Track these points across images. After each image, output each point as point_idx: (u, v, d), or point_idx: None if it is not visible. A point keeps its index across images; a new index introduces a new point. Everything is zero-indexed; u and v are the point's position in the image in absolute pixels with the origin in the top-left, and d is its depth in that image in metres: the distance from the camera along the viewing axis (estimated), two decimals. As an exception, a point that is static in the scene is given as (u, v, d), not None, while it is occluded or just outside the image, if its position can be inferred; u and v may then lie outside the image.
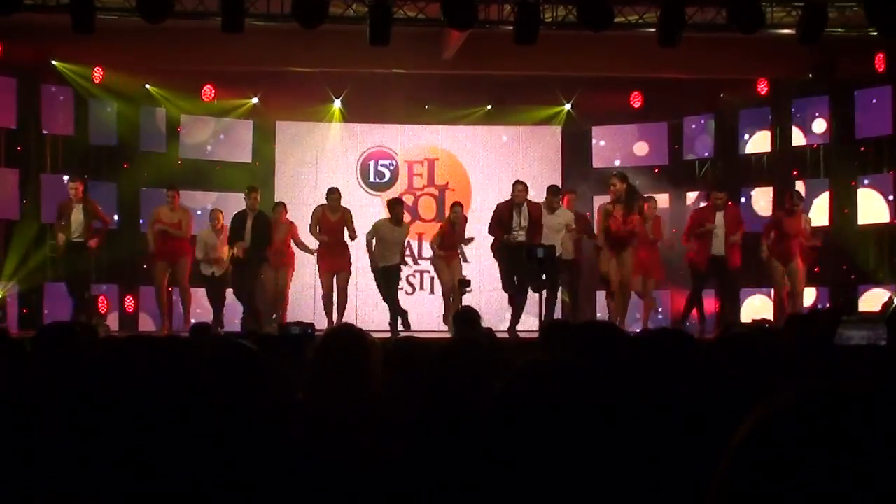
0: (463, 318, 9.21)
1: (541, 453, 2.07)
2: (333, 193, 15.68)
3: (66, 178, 15.68)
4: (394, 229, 15.35)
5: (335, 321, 15.01)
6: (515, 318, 14.69)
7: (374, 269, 15.37)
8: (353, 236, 15.40)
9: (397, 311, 15.29)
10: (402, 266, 16.03)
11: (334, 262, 15.49)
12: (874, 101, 16.06)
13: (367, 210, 17.80)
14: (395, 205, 15.77)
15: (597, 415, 2.12)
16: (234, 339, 5.76)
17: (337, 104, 18.27)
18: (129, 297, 17.04)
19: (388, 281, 15.36)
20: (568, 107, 18.50)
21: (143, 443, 2.62)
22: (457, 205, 15.90)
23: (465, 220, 15.81)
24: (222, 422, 2.87)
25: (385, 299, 15.43)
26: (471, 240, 15.73)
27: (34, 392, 3.84)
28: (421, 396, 3.89)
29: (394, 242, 15.36)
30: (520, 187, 14.87)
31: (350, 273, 15.65)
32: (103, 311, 16.25)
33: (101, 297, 16.36)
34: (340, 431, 3.68)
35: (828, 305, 15.90)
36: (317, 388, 4.13)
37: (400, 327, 15.04)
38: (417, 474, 3.11)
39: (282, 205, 16.30)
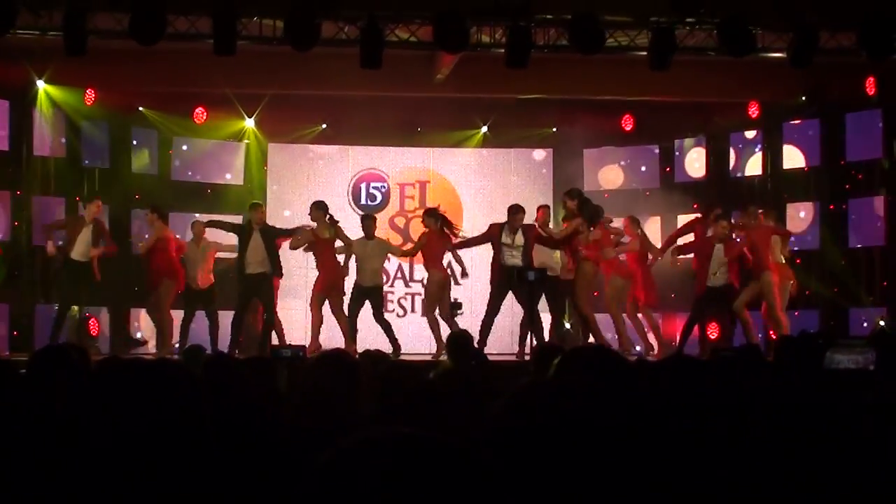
0: (456, 343, 9.24)
1: (538, 472, 2.10)
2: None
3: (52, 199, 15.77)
4: (365, 244, 15.36)
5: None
6: (523, 340, 14.87)
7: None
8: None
9: (390, 332, 15.28)
10: (386, 288, 15.96)
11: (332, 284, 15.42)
12: (864, 124, 16.15)
13: (358, 233, 17.82)
14: (364, 219, 15.79)
15: (592, 435, 2.16)
16: (226, 361, 5.78)
17: (324, 126, 18.40)
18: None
19: (359, 303, 15.34)
20: (558, 129, 18.58)
21: (137, 464, 2.65)
22: (426, 214, 15.86)
23: (433, 232, 15.47)
24: (214, 442, 2.91)
25: (351, 317, 15.29)
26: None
27: (28, 415, 3.87)
28: (410, 420, 3.93)
29: (368, 257, 15.36)
30: (519, 215, 15.01)
31: (344, 294, 15.61)
32: (94, 334, 16.21)
33: (93, 320, 16.35)
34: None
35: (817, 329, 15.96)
36: (308, 409, 4.17)
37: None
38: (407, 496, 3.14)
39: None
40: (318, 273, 15.42)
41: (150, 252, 15.70)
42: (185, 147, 18.10)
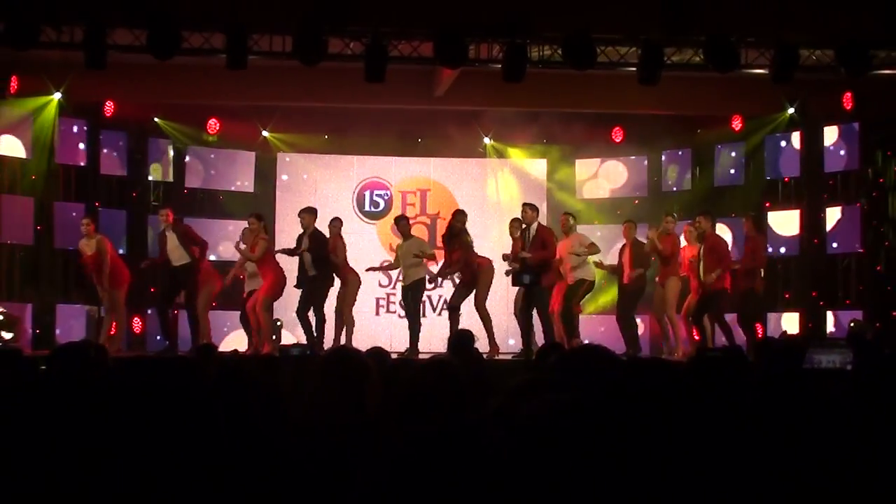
0: (459, 341, 9.23)
1: (538, 468, 2.10)
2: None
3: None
4: (401, 245, 15.39)
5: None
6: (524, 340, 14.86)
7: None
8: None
9: (415, 329, 15.15)
10: (427, 281, 15.60)
11: None
12: (842, 137, 16.25)
13: (362, 237, 17.92)
14: (398, 221, 15.82)
15: (589, 431, 2.15)
16: (237, 360, 5.77)
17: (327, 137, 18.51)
18: (135, 318, 17.05)
19: (406, 297, 15.38)
20: (552, 140, 18.55)
21: (151, 459, 2.64)
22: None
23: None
24: (225, 438, 2.89)
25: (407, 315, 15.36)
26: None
27: (47, 411, 3.85)
28: (407, 413, 3.92)
29: (406, 255, 15.29)
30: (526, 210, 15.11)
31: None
32: (112, 333, 16.17)
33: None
34: (339, 447, 3.70)
35: (797, 331, 15.98)
36: (318, 407, 4.15)
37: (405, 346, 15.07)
38: (411, 490, 3.13)
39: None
40: (264, 280, 15.33)
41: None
42: (198, 156, 18.13)
